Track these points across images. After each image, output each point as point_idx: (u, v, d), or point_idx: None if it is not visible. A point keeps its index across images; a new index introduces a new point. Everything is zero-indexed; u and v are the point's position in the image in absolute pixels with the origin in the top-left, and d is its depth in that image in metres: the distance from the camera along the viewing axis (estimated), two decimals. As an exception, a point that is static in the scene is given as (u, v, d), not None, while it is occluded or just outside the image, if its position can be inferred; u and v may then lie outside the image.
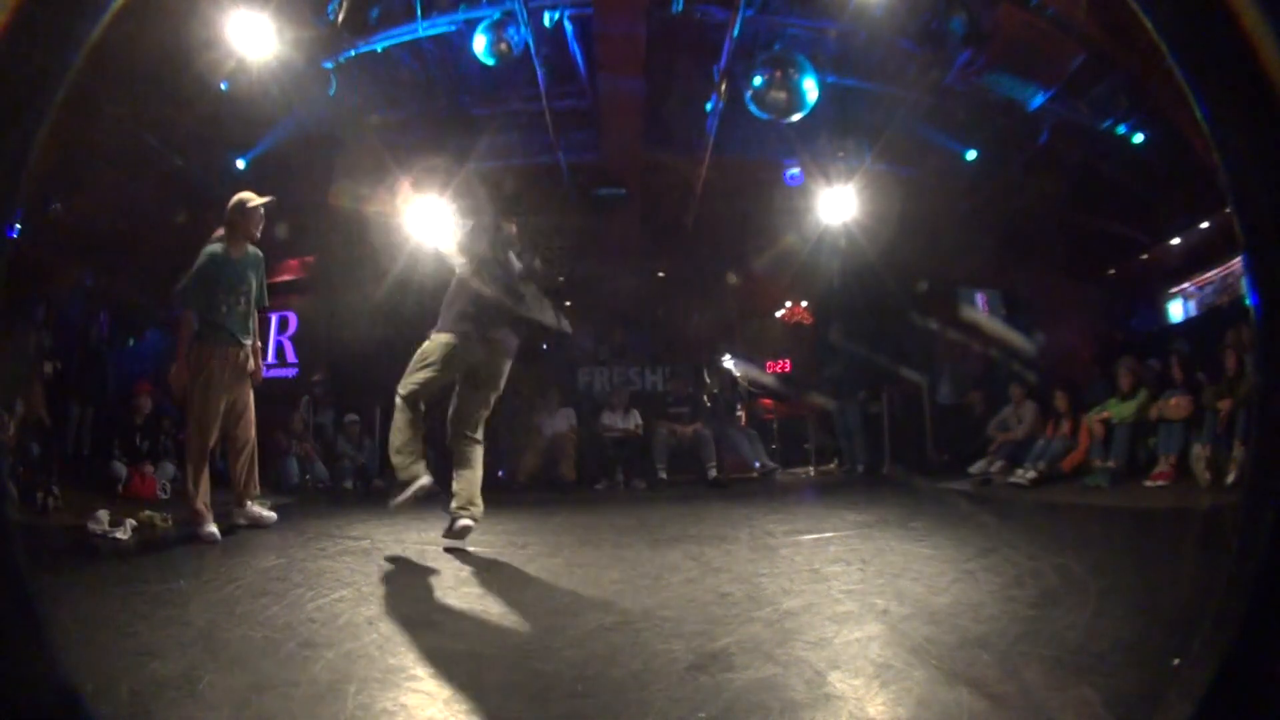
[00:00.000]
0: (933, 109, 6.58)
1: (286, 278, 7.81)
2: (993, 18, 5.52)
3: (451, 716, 1.49)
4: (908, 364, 7.77)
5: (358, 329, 6.89)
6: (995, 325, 8.08)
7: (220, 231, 3.79)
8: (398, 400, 3.36)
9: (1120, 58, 5.44)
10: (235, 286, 3.73)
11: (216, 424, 3.73)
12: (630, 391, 8.03)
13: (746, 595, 2.42)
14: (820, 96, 5.96)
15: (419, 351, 3.42)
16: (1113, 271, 8.39)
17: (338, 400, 7.35)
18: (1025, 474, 5.72)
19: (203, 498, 3.70)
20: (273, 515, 4.06)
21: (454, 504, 3.26)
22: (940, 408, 7.87)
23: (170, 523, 4.25)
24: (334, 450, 7.03)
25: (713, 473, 6.92)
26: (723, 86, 6.02)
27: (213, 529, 3.65)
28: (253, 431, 3.95)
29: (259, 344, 3.99)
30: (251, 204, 3.76)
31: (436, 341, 3.40)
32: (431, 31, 5.80)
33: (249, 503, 4.01)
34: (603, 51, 5.99)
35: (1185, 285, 7.93)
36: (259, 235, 3.85)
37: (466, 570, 2.95)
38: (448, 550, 3.29)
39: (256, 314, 3.93)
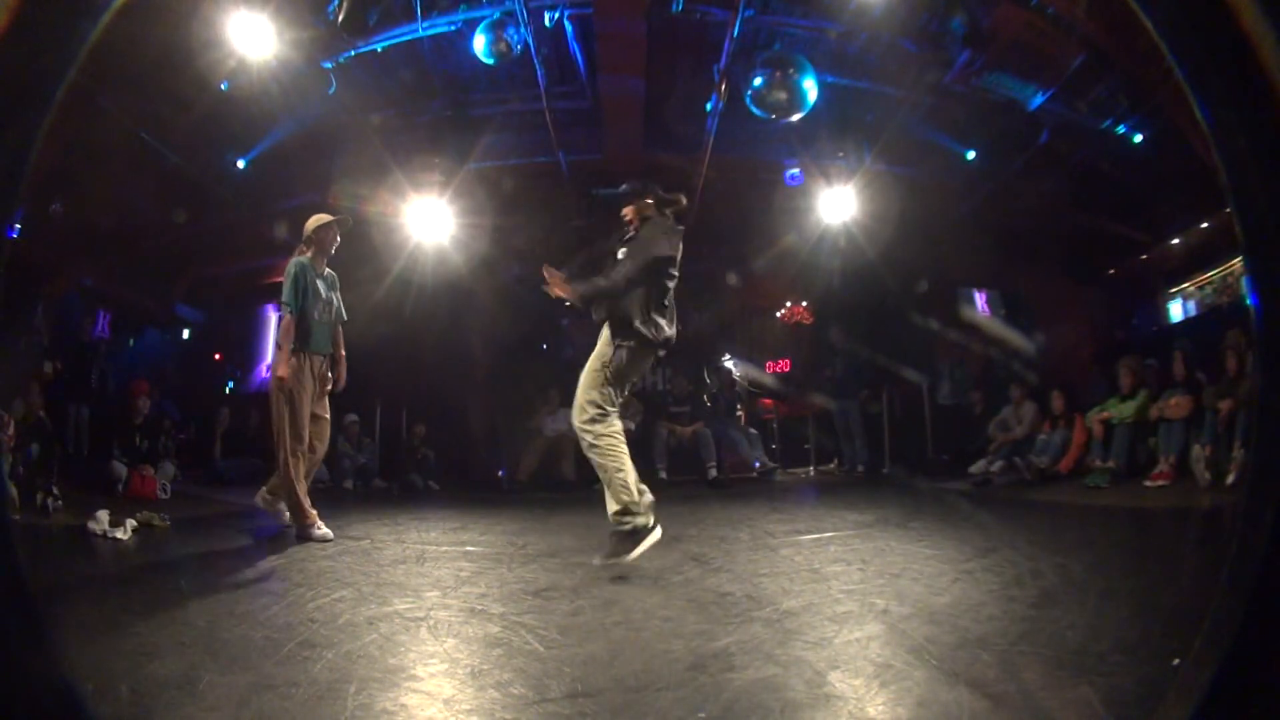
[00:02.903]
0: (933, 109, 6.57)
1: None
2: (993, 18, 5.51)
3: (451, 716, 1.49)
4: (908, 364, 7.77)
5: (357, 328, 6.89)
6: (995, 325, 8.08)
7: (302, 249, 3.96)
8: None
9: (1120, 58, 5.43)
10: (320, 298, 3.91)
11: (307, 430, 3.80)
12: (630, 392, 8.03)
13: (746, 595, 2.42)
14: (820, 96, 5.95)
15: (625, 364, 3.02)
16: (1113, 271, 8.39)
17: (338, 400, 7.35)
18: (1035, 463, 5.73)
19: (306, 501, 3.75)
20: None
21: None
22: (940, 408, 7.87)
23: (170, 523, 4.26)
24: (334, 450, 7.02)
25: (713, 473, 6.92)
26: (723, 86, 6.01)
27: (326, 530, 3.71)
28: (327, 441, 4.04)
29: (342, 354, 4.09)
30: (326, 221, 3.97)
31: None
32: (431, 31, 5.79)
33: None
34: (603, 51, 5.98)
35: (1185, 285, 7.93)
36: (333, 251, 4.03)
37: (466, 570, 2.95)
38: (447, 551, 3.29)
39: (340, 328, 4.09)
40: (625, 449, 2.95)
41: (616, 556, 2.82)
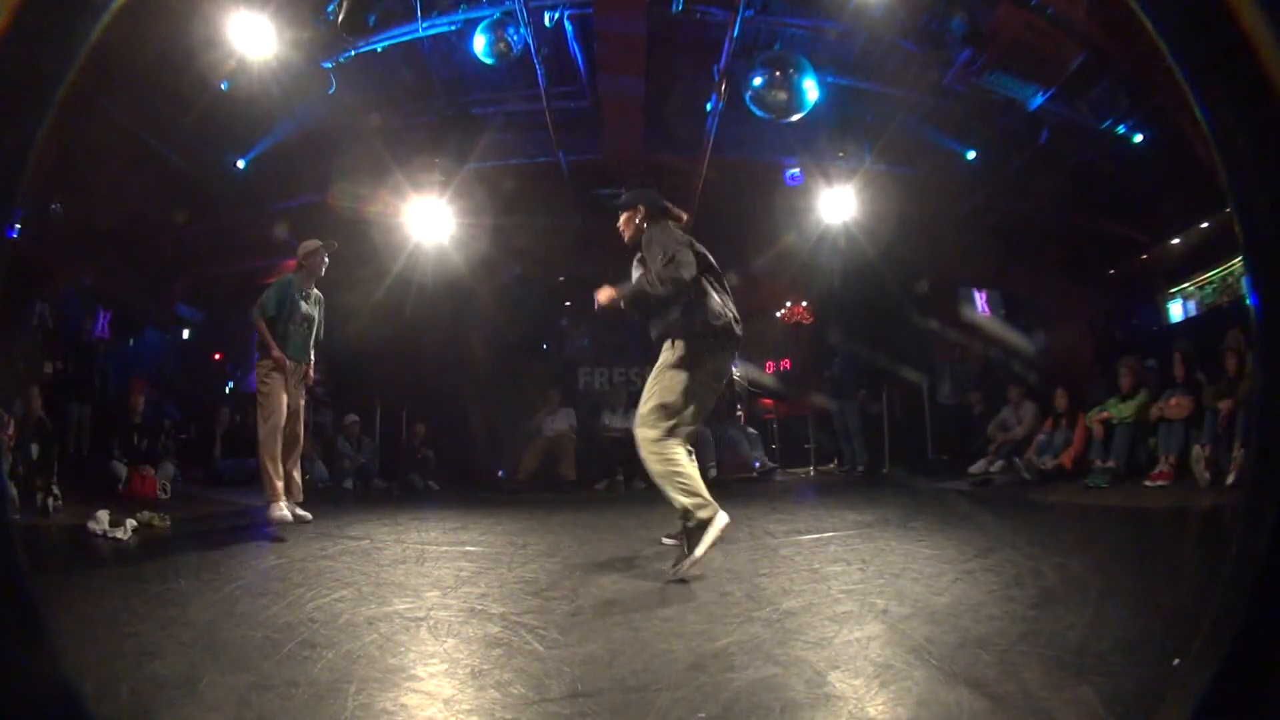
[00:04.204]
0: (933, 109, 6.57)
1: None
2: (992, 18, 5.51)
3: (451, 716, 1.49)
4: (908, 364, 7.76)
5: (358, 328, 6.91)
6: (995, 325, 8.08)
7: (294, 266, 4.52)
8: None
9: (1120, 58, 5.43)
10: (298, 312, 4.36)
11: (283, 421, 4.25)
12: (630, 391, 8.03)
13: (746, 595, 2.42)
14: (820, 96, 5.95)
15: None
16: (1113, 271, 8.39)
17: (337, 400, 7.36)
18: (1035, 462, 5.74)
19: (282, 483, 4.21)
20: (309, 515, 4.30)
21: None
22: (940, 408, 7.88)
23: (169, 523, 4.26)
24: (334, 450, 7.03)
25: (712, 472, 6.92)
26: (723, 86, 6.01)
27: (285, 512, 4.11)
28: (302, 432, 4.48)
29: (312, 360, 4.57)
30: (315, 248, 4.45)
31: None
32: (431, 31, 5.79)
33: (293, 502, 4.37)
34: (603, 51, 5.98)
35: (1185, 285, 7.94)
36: (322, 274, 4.49)
37: (466, 570, 2.95)
38: (447, 551, 3.29)
39: (315, 345, 4.53)
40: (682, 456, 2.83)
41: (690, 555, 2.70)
